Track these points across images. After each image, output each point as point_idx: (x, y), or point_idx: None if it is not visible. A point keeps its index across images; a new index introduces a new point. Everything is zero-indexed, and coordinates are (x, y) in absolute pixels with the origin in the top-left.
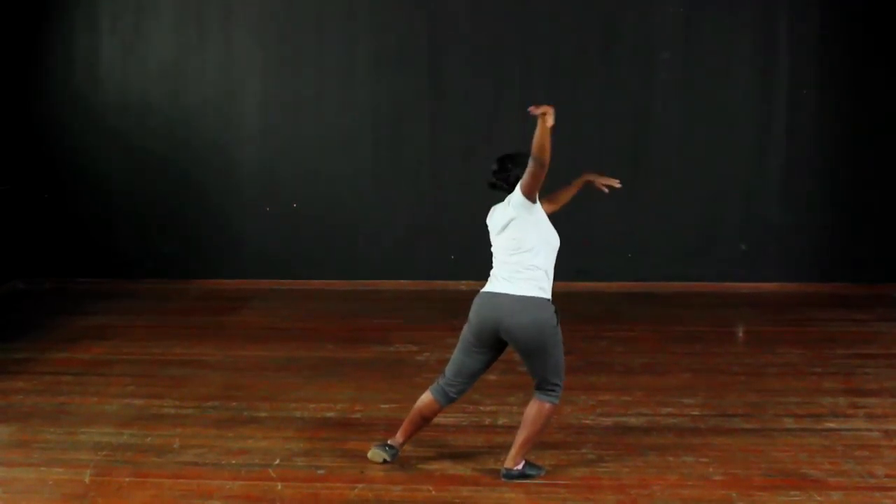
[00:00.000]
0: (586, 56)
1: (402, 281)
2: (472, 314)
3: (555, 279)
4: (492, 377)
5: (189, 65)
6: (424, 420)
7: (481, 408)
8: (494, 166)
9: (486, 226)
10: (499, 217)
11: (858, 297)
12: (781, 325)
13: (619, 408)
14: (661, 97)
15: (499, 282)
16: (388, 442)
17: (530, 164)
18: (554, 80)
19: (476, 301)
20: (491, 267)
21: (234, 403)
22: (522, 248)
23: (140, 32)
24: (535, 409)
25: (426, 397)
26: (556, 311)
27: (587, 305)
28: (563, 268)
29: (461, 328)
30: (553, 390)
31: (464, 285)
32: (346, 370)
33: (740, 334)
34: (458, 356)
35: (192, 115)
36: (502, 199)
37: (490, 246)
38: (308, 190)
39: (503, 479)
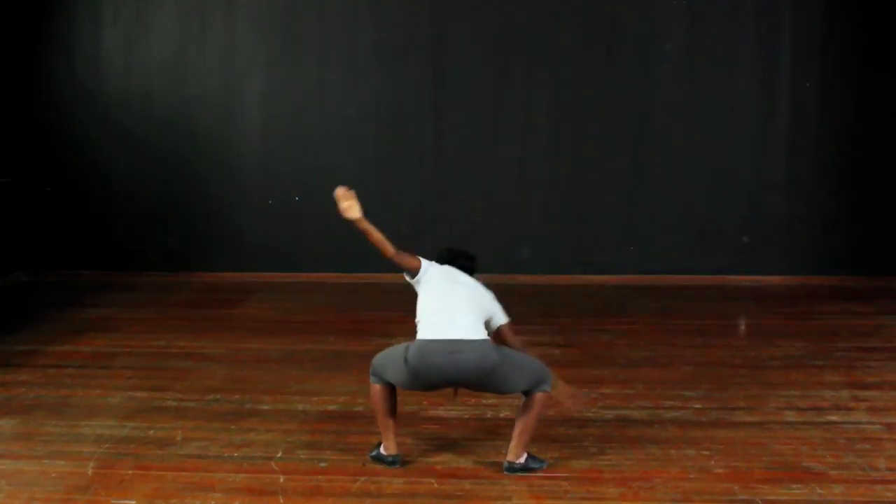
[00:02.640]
0: (589, 48)
1: (403, 274)
2: (422, 360)
3: (559, 271)
4: None
5: (191, 57)
6: (395, 409)
7: (483, 401)
8: (469, 261)
9: (487, 217)
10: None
11: (860, 290)
12: (783, 317)
13: (621, 401)
14: (664, 89)
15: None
16: (388, 457)
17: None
18: (556, 71)
19: (431, 348)
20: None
21: (237, 396)
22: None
23: (142, 24)
24: (529, 400)
25: (377, 387)
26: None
27: (589, 299)
28: (566, 261)
29: None
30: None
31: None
32: (348, 363)
33: (742, 327)
34: (392, 373)
35: (194, 107)
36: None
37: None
38: (310, 182)
39: (506, 473)
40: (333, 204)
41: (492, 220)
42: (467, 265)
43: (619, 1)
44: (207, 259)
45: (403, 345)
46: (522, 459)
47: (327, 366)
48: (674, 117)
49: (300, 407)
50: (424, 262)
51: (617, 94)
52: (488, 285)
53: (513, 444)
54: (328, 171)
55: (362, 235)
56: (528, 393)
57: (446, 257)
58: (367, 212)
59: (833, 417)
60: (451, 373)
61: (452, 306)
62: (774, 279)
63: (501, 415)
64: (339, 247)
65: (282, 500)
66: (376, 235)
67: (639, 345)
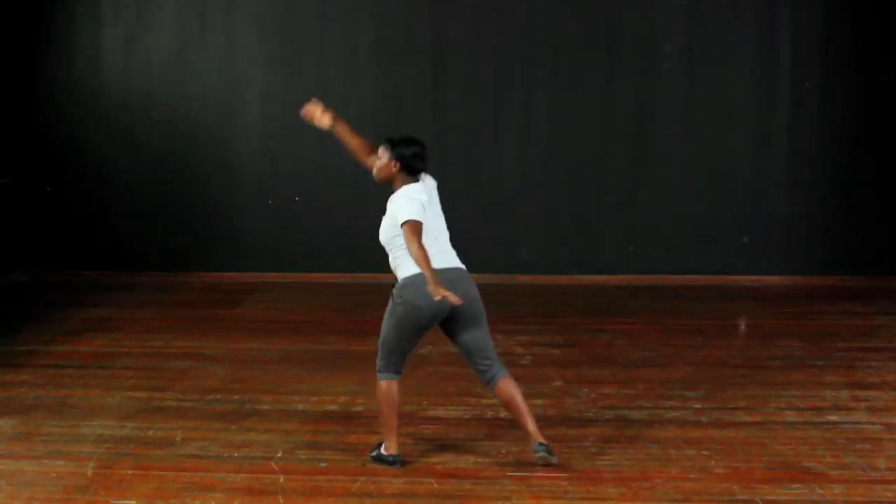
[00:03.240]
0: (589, 48)
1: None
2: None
3: (559, 271)
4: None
5: (191, 57)
6: (399, 406)
7: (483, 401)
8: (422, 151)
9: (487, 217)
10: (435, 198)
11: (860, 290)
12: (783, 317)
13: (621, 401)
14: (664, 89)
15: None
16: (389, 457)
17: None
18: (556, 71)
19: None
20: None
21: (237, 396)
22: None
23: (142, 24)
24: (509, 387)
25: (384, 385)
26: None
27: (589, 298)
28: (565, 261)
29: None
30: (495, 362)
31: None
32: (348, 363)
33: (742, 327)
34: (403, 346)
35: (193, 107)
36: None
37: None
38: (310, 183)
39: (542, 454)
40: (333, 204)
41: (492, 220)
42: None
43: (619, 1)
44: (207, 259)
45: (398, 302)
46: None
47: (327, 366)
48: (674, 117)
49: (300, 407)
50: (414, 212)
51: (617, 94)
52: (489, 284)
53: (530, 427)
54: (328, 171)
55: (342, 142)
56: (491, 379)
57: (419, 166)
58: (367, 211)
59: (833, 417)
60: (467, 300)
61: (440, 231)
62: (774, 279)
63: (501, 415)
64: (339, 247)
65: (282, 500)
66: (355, 141)
67: (639, 345)
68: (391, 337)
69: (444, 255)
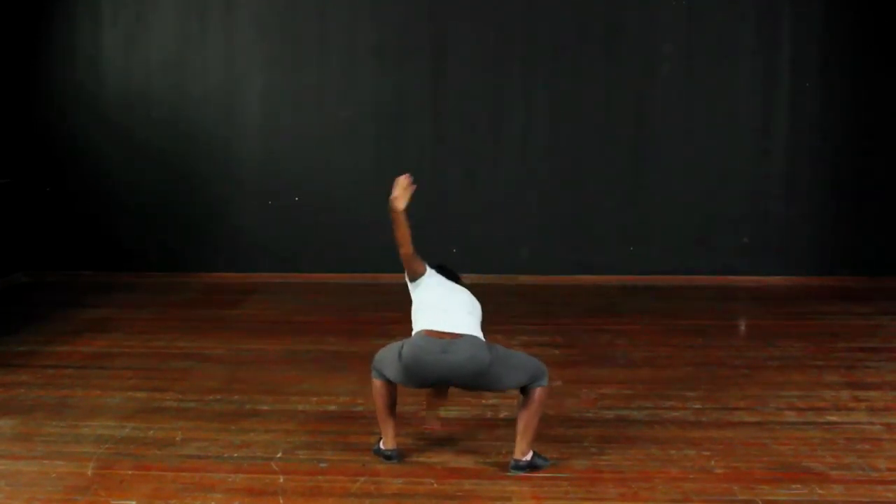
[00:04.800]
0: (588, 48)
1: (405, 275)
2: (415, 358)
3: (559, 272)
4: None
5: (191, 57)
6: (394, 405)
7: (483, 401)
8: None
9: (487, 217)
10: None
11: (860, 291)
12: (783, 318)
13: (621, 401)
14: (663, 89)
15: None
16: (386, 451)
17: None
18: (556, 72)
19: (425, 345)
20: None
21: (237, 396)
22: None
23: (142, 24)
24: (527, 396)
25: (378, 384)
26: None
27: (589, 299)
28: (565, 261)
29: None
30: (538, 379)
31: (465, 278)
32: (348, 363)
33: (742, 327)
34: (390, 370)
35: (193, 107)
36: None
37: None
38: (310, 183)
39: (512, 472)
40: (333, 204)
41: (492, 220)
42: (460, 283)
43: (619, 1)
44: (207, 259)
45: (401, 342)
46: (529, 457)
47: (327, 366)
48: (674, 117)
49: (300, 407)
50: (429, 270)
51: (617, 94)
52: (489, 285)
53: (517, 442)
54: (328, 171)
55: (392, 224)
56: (525, 389)
57: (442, 274)
58: (367, 211)
59: (833, 417)
60: (442, 371)
61: (448, 303)
62: (774, 279)
63: (501, 415)
64: (339, 247)
65: (282, 501)
66: (405, 231)
67: (639, 345)
68: (386, 351)
69: (436, 320)
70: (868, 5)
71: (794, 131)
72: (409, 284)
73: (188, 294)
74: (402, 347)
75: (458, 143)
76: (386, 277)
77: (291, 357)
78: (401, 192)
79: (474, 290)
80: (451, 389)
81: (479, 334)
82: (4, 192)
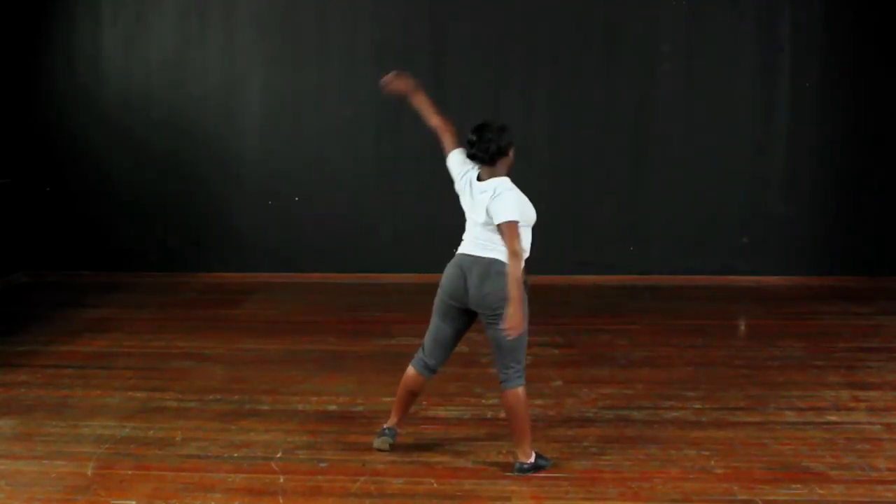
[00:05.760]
0: (588, 48)
1: (403, 274)
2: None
3: (559, 272)
4: (493, 371)
5: (191, 57)
6: (413, 395)
7: (483, 401)
8: (473, 136)
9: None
10: (479, 196)
11: (860, 291)
12: (783, 318)
13: (621, 401)
14: (663, 89)
15: (473, 247)
16: (384, 427)
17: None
18: (556, 71)
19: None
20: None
21: (237, 396)
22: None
23: (142, 24)
24: (509, 400)
25: (410, 372)
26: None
27: (589, 298)
28: (565, 261)
29: None
30: (511, 372)
31: None
32: (348, 363)
33: (742, 327)
34: (434, 322)
35: (193, 107)
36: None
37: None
38: (310, 183)
39: (516, 474)
40: (333, 204)
41: None
42: (483, 157)
43: (619, 1)
44: (207, 259)
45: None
46: (532, 459)
47: (327, 366)
48: (674, 117)
49: (300, 407)
50: (453, 158)
51: (617, 94)
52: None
53: (514, 447)
54: (328, 171)
55: (415, 108)
56: (501, 382)
57: (468, 153)
58: (367, 211)
59: (833, 417)
60: (466, 295)
61: (467, 216)
62: (774, 279)
63: (501, 415)
64: (339, 247)
65: (282, 500)
66: (427, 109)
67: (639, 345)
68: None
69: (463, 244)
70: (868, 5)
71: (794, 131)
72: None
73: (188, 294)
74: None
75: (458, 143)
76: (386, 277)
77: (291, 357)
78: (393, 80)
79: None
80: (451, 389)
81: (495, 254)
82: (4, 192)
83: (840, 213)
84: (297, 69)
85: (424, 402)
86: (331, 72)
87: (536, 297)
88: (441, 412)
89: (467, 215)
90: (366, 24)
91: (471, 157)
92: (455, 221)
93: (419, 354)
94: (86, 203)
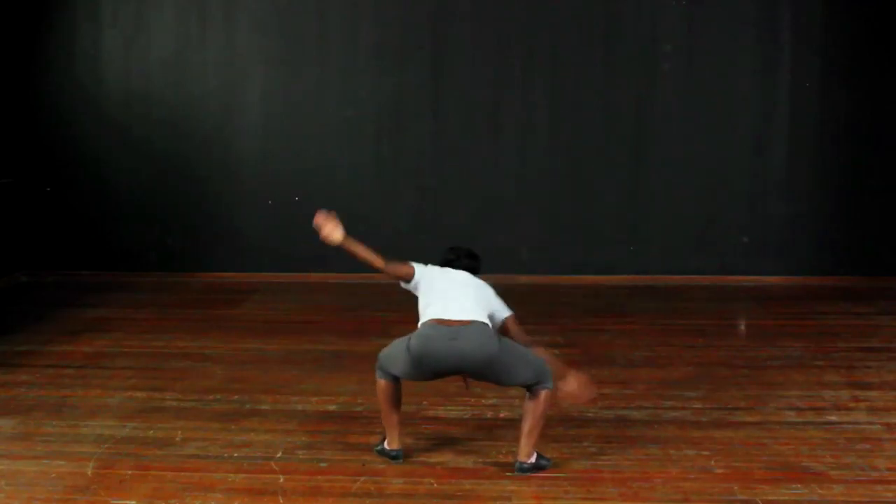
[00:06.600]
0: (588, 48)
1: (400, 283)
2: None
3: (559, 272)
4: None
5: (191, 57)
6: (397, 404)
7: (483, 401)
8: (473, 260)
9: (487, 217)
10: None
11: (860, 290)
12: (783, 318)
13: (621, 401)
14: (663, 89)
15: None
16: (391, 451)
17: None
18: (556, 72)
19: (434, 333)
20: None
21: (236, 396)
22: None
23: (141, 24)
24: (533, 398)
25: (382, 383)
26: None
27: (589, 298)
28: (565, 261)
29: None
30: (531, 388)
31: None
32: (348, 363)
33: (742, 327)
34: (397, 364)
35: (193, 107)
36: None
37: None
38: (310, 183)
39: (517, 473)
40: (333, 204)
41: (492, 220)
42: (470, 265)
43: (619, 1)
44: (207, 259)
45: (406, 337)
46: (533, 458)
47: (327, 366)
48: (674, 117)
49: (300, 407)
50: (419, 267)
51: (617, 94)
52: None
53: (522, 444)
54: (328, 171)
55: (350, 255)
56: (531, 389)
57: (450, 258)
58: (367, 211)
59: (833, 417)
60: (452, 360)
61: (454, 293)
62: (774, 279)
63: (501, 415)
64: (338, 247)
65: (282, 500)
66: (363, 253)
67: (639, 345)
68: (392, 348)
69: (444, 309)
70: (868, 6)
71: (794, 131)
72: (409, 288)
73: (188, 294)
74: (409, 340)
75: (458, 143)
76: (386, 277)
77: (291, 357)
78: (326, 228)
79: None
80: (451, 389)
81: (488, 322)
82: (5, 192)
83: (840, 213)
84: (297, 69)
85: (425, 402)
86: (331, 72)
87: (537, 297)
88: (441, 412)
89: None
90: (366, 24)
91: (464, 267)
92: (454, 221)
93: (386, 370)
94: (86, 203)
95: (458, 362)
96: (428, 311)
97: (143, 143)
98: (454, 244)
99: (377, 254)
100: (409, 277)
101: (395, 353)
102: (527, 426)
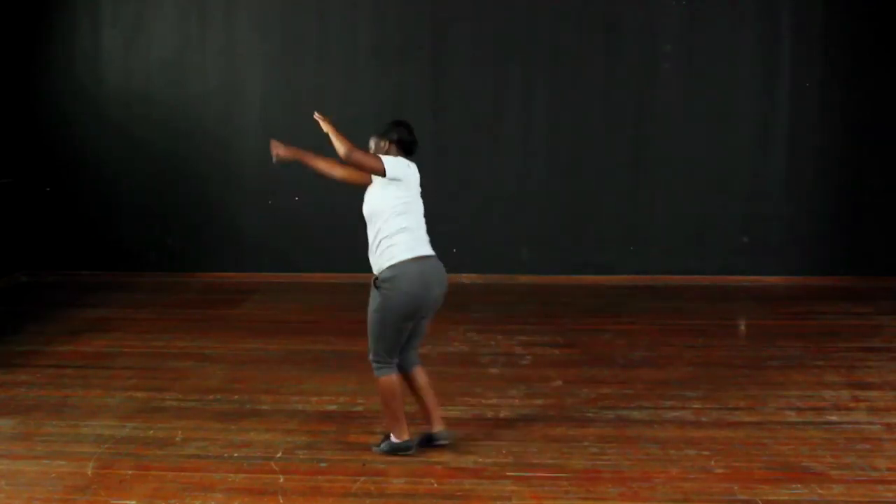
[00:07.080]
0: (588, 48)
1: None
2: (423, 285)
3: (559, 272)
4: (493, 370)
5: (191, 57)
6: (416, 391)
7: (483, 401)
8: (410, 135)
9: (487, 217)
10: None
11: (860, 290)
12: (783, 318)
13: (621, 401)
14: (664, 89)
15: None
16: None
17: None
18: (556, 72)
19: (425, 270)
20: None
21: (236, 396)
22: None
23: (141, 24)
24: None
25: (393, 378)
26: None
27: (589, 298)
28: (566, 261)
29: (463, 321)
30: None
31: (465, 278)
32: (348, 363)
33: (742, 327)
34: (401, 327)
35: (193, 107)
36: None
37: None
38: (310, 182)
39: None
40: (333, 204)
41: (492, 220)
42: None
43: (619, 1)
44: (207, 259)
45: (379, 297)
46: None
47: (327, 366)
48: (674, 117)
49: (300, 407)
50: (388, 160)
51: (617, 94)
52: (489, 285)
53: (437, 414)
54: None
55: (310, 169)
56: (413, 362)
57: (409, 139)
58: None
59: (833, 417)
60: (438, 297)
61: (420, 216)
62: (774, 279)
63: (501, 415)
64: (339, 247)
65: (282, 500)
66: (318, 162)
67: (639, 345)
68: (389, 331)
69: (423, 245)
70: (868, 6)
71: (794, 131)
72: (379, 181)
73: (188, 294)
74: (404, 287)
75: (458, 143)
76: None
77: (291, 357)
78: (273, 147)
79: (474, 289)
80: (451, 389)
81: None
82: (5, 192)
83: (840, 213)
84: (297, 69)
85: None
86: (331, 72)
87: (537, 297)
88: (441, 412)
89: (418, 208)
90: (366, 24)
91: (411, 151)
92: (455, 221)
93: (385, 365)
94: (86, 203)
95: (438, 299)
96: (404, 237)
97: (143, 143)
98: (397, 119)
99: (332, 161)
100: (380, 171)
101: (387, 321)
102: (432, 398)
